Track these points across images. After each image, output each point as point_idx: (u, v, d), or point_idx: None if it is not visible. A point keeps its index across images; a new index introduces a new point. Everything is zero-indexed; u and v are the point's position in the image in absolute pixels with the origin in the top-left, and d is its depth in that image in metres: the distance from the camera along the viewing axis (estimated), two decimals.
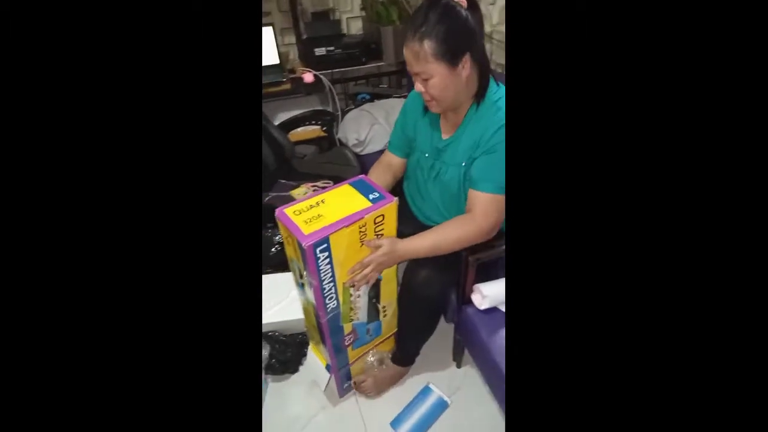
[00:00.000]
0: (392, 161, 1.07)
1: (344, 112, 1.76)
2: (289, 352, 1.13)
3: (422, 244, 0.85)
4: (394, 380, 1.11)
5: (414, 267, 0.92)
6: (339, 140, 1.67)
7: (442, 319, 1.05)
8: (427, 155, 0.96)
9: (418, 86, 0.81)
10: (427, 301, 0.94)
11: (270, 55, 1.73)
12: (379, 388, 1.09)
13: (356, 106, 1.77)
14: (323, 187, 1.39)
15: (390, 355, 1.11)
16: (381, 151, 1.31)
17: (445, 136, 0.93)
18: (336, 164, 1.49)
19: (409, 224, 1.09)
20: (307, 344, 1.15)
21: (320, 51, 1.76)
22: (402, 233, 0.89)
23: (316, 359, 1.07)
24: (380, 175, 1.05)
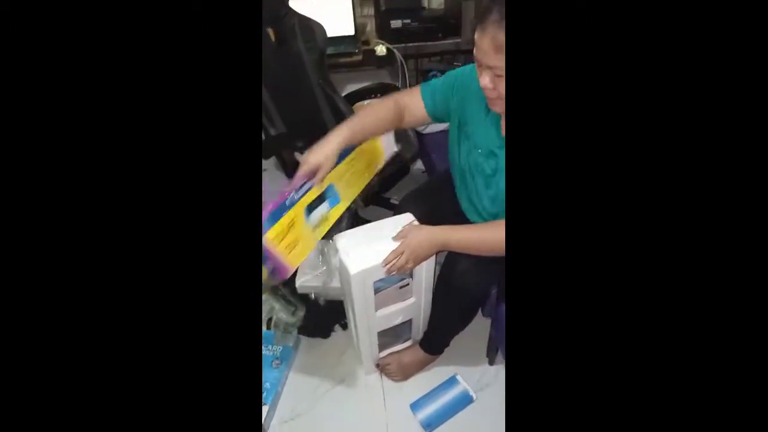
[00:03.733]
0: (410, 104, 0.89)
1: None
2: (324, 317, 1.16)
3: (464, 235, 0.79)
4: (421, 366, 1.09)
5: (454, 256, 0.87)
6: None
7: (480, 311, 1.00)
8: (480, 151, 0.85)
9: (486, 80, 0.69)
10: (464, 294, 0.89)
11: (346, 26, 1.72)
12: (405, 372, 1.07)
13: None
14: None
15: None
16: (444, 131, 1.24)
17: (504, 132, 0.81)
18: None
19: (452, 218, 1.02)
20: (341, 314, 1.17)
21: (396, 23, 1.71)
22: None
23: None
24: (384, 110, 0.87)
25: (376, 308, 0.94)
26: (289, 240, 0.77)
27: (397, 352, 1.09)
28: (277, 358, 1.10)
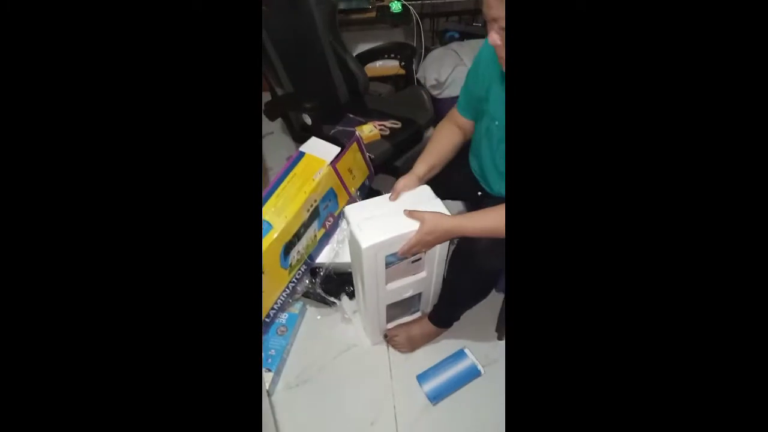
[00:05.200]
0: (461, 122, 0.95)
1: (428, 51, 1.61)
2: (330, 284, 1.14)
3: (476, 223, 0.78)
4: (428, 339, 1.07)
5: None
6: (417, 80, 1.55)
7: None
8: (497, 123, 0.83)
9: (494, 37, 0.66)
10: (481, 271, 0.86)
11: None
12: (412, 344, 1.06)
13: (442, 45, 1.61)
14: (390, 128, 1.31)
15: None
16: None
17: None
18: (409, 105, 1.39)
19: (476, 196, 0.99)
20: (348, 283, 1.15)
21: None
22: (469, 209, 0.82)
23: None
24: (449, 136, 0.93)
25: (387, 281, 0.91)
26: None
27: (406, 323, 1.07)
28: (283, 325, 1.09)
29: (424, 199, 0.88)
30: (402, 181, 0.88)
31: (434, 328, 1.04)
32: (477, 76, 0.86)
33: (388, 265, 0.87)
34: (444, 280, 0.99)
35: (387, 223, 0.82)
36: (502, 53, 0.68)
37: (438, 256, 0.91)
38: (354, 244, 0.85)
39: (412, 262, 0.91)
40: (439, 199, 0.88)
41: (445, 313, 1.02)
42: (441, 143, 0.93)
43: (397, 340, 1.05)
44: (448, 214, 0.83)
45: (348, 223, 0.85)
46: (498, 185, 0.91)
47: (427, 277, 0.96)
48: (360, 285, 0.95)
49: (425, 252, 0.89)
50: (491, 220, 0.77)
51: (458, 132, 0.94)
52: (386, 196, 0.90)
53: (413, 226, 0.81)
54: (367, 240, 0.80)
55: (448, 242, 0.90)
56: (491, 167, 0.89)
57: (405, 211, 0.83)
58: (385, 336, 1.07)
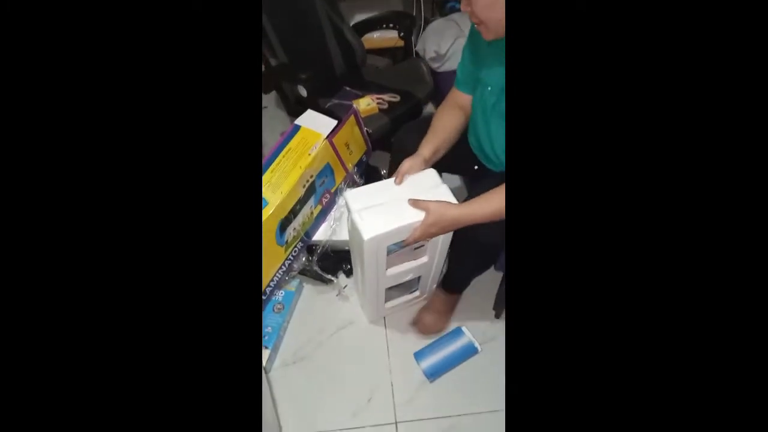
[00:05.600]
0: (461, 101, 0.91)
1: (427, 22, 1.55)
2: (327, 262, 1.12)
3: (482, 210, 0.75)
4: (450, 307, 1.07)
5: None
6: (416, 52, 1.49)
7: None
8: (489, 89, 0.80)
9: (465, 5, 0.69)
10: (482, 247, 0.85)
11: None
12: (438, 324, 1.05)
13: (442, 15, 1.55)
14: (388, 101, 1.27)
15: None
16: None
17: None
18: (407, 77, 1.34)
19: (473, 170, 0.97)
20: (345, 260, 1.13)
21: None
22: (467, 184, 0.80)
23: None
24: (452, 117, 0.90)
25: (387, 267, 0.89)
26: None
27: (421, 309, 1.07)
28: (280, 303, 1.08)
29: (430, 183, 0.84)
30: (407, 163, 0.84)
31: (449, 295, 1.04)
32: (475, 47, 0.83)
33: (389, 252, 0.84)
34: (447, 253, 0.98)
35: (390, 213, 0.78)
36: (474, 20, 0.70)
37: (441, 243, 0.88)
38: (355, 232, 0.81)
39: (415, 248, 0.89)
40: (446, 186, 0.83)
41: (453, 279, 1.01)
42: (444, 125, 0.89)
43: (426, 322, 1.05)
44: (454, 201, 0.80)
45: (349, 210, 0.82)
46: (494, 156, 0.88)
47: (429, 261, 0.93)
48: (359, 269, 0.93)
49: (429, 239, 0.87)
50: (497, 204, 0.74)
51: (460, 113, 0.91)
52: (389, 180, 0.85)
53: (417, 215, 0.78)
54: (369, 231, 0.76)
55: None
56: (486, 138, 0.87)
57: (409, 200, 0.79)
58: (413, 323, 1.07)
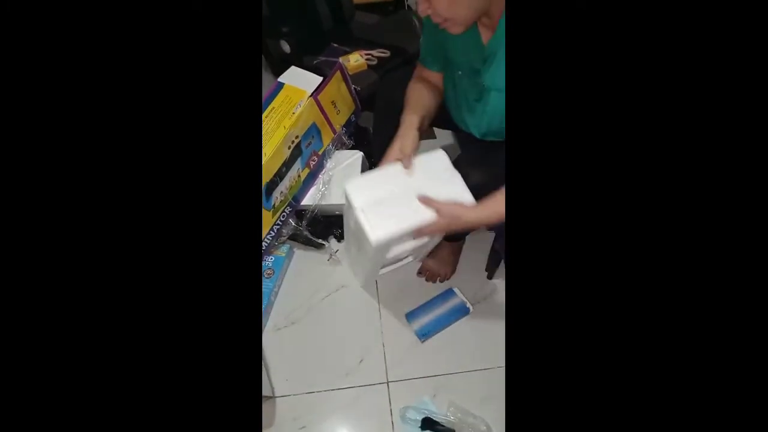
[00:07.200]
0: (433, 79, 0.84)
1: None
2: (317, 226, 1.10)
3: (497, 216, 0.70)
4: (456, 252, 1.08)
5: (466, 167, 0.77)
6: (408, 5, 1.41)
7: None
8: (460, 73, 0.75)
9: (423, 7, 0.63)
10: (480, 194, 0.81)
11: None
12: (446, 268, 1.06)
13: None
14: (378, 57, 1.21)
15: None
16: None
17: (486, 41, 0.71)
18: (398, 31, 1.27)
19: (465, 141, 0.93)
20: (335, 225, 1.11)
21: None
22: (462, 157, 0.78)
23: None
24: (423, 94, 0.82)
25: (386, 253, 0.85)
26: None
27: (427, 257, 1.07)
28: (269, 268, 1.06)
29: (441, 169, 0.76)
30: (408, 144, 0.75)
31: (452, 243, 1.04)
32: (435, 25, 0.72)
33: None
34: None
35: (398, 211, 0.71)
36: (438, 20, 0.64)
37: None
38: (360, 232, 0.73)
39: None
40: (459, 176, 0.75)
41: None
42: (422, 102, 0.81)
43: (432, 268, 1.05)
44: (468, 197, 0.73)
45: (351, 206, 0.73)
46: (475, 133, 0.85)
47: (428, 242, 0.90)
48: (355, 249, 0.89)
49: None
50: (500, 208, 0.70)
51: (433, 88, 0.83)
52: (394, 166, 0.76)
53: (428, 214, 0.71)
54: (376, 234, 0.70)
55: None
56: (461, 120, 0.84)
57: (420, 197, 0.72)
58: (420, 272, 1.08)
